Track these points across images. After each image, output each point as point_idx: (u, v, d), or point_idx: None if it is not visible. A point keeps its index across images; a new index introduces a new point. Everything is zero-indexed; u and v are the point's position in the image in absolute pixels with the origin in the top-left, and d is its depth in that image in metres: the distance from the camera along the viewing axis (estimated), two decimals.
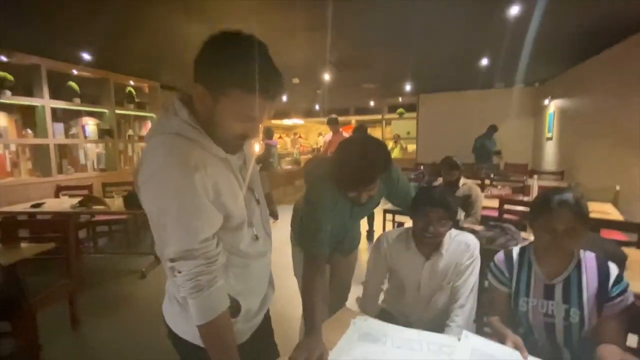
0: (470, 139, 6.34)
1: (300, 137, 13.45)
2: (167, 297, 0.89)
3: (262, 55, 0.70)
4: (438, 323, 1.22)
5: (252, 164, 0.90)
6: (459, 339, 1.01)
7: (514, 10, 2.83)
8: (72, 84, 4.40)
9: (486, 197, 3.29)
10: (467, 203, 2.53)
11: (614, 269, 1.05)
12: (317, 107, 10.08)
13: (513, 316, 1.19)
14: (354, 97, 8.68)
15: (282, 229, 1.95)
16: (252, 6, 2.75)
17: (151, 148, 0.73)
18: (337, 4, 2.64)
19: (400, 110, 9.04)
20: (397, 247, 1.36)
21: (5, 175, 3.86)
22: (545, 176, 5.11)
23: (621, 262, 1.46)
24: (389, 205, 3.46)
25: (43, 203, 3.35)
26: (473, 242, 1.29)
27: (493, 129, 6.22)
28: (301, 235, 1.30)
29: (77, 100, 4.43)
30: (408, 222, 2.06)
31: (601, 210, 2.76)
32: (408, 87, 7.05)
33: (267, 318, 1.03)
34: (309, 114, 11.34)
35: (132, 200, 3.16)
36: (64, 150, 4.48)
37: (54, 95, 4.12)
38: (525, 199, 3.12)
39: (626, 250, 1.59)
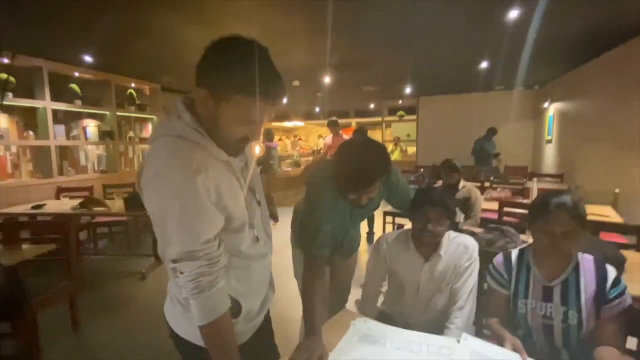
0: (470, 141, 6.36)
1: (300, 139, 13.47)
2: (168, 297, 0.89)
3: (263, 59, 0.71)
4: (437, 325, 1.22)
5: (253, 166, 0.91)
6: (459, 341, 1.01)
7: (514, 13, 2.85)
8: (74, 86, 4.42)
9: (486, 199, 3.30)
10: (467, 205, 2.54)
11: (611, 272, 1.06)
12: (317, 109, 10.10)
13: (512, 318, 1.19)
14: (354, 99, 8.70)
15: (282, 231, 1.96)
16: (252, 9, 2.77)
17: (154, 150, 0.74)
18: (337, 7, 2.66)
19: (400, 112, 9.05)
20: (396, 249, 1.37)
21: (6, 176, 3.87)
22: (545, 179, 5.11)
23: (620, 264, 1.47)
24: (389, 208, 3.46)
25: (44, 204, 3.36)
26: (472, 244, 1.30)
27: (492, 131, 6.23)
28: (301, 237, 1.30)
29: (79, 102, 4.45)
30: (408, 225, 2.07)
31: (600, 212, 2.76)
32: (408, 90, 7.08)
33: (267, 319, 1.04)
34: (309, 116, 11.37)
35: (133, 202, 3.17)
36: (64, 152, 4.49)
37: (55, 97, 4.14)
38: (525, 201, 3.12)
39: (625, 252, 1.59)
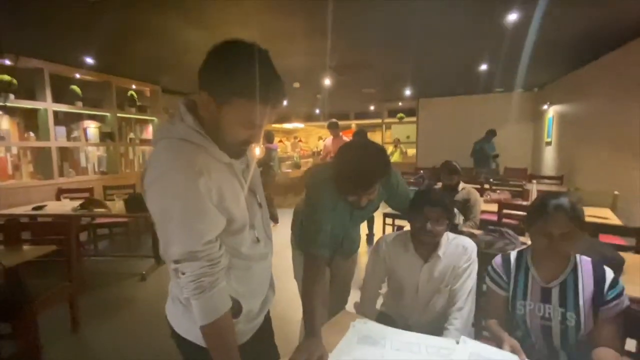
0: (469, 143, 6.38)
1: (300, 140, 13.48)
2: (170, 297, 0.90)
3: (264, 63, 0.73)
4: (436, 326, 1.23)
5: (254, 168, 0.92)
6: (457, 342, 1.02)
7: (513, 16, 2.87)
8: (75, 87, 4.44)
9: (485, 201, 3.31)
10: (466, 207, 2.54)
11: (609, 273, 1.07)
12: (317, 111, 10.12)
13: (511, 319, 1.20)
14: (354, 101, 8.72)
15: (282, 233, 1.97)
16: (253, 10, 2.79)
17: (157, 152, 0.75)
18: (336, 9, 2.68)
19: (400, 114, 9.08)
20: (395, 249, 1.38)
21: (7, 177, 3.88)
22: (545, 181, 5.12)
23: (618, 266, 1.48)
24: (388, 209, 3.47)
25: (44, 205, 3.37)
26: (470, 245, 1.31)
27: (492, 133, 6.25)
28: (301, 238, 1.31)
29: (79, 103, 4.47)
30: (408, 226, 2.08)
31: (600, 214, 2.77)
32: (408, 92, 7.10)
33: (267, 320, 1.05)
34: (309, 118, 11.39)
35: (133, 204, 3.17)
36: (65, 153, 4.50)
37: (57, 99, 4.15)
38: (525, 203, 3.13)
39: (624, 254, 1.60)
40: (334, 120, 4.88)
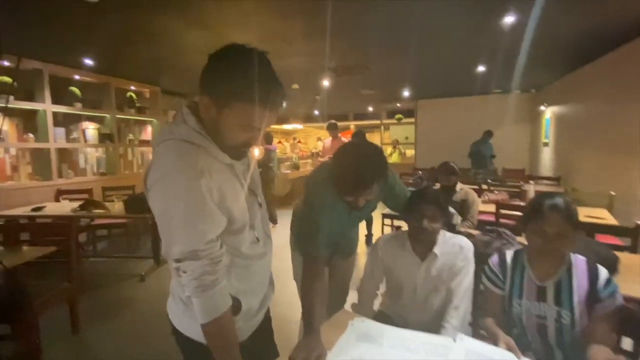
0: (468, 144, 6.40)
1: (299, 142, 13.50)
2: (171, 296, 0.92)
3: (264, 67, 0.74)
4: (434, 325, 1.25)
5: (255, 168, 0.94)
6: (454, 340, 1.03)
7: (511, 18, 2.89)
8: (74, 88, 4.44)
9: (483, 202, 3.33)
10: (464, 207, 2.56)
11: (603, 272, 1.08)
12: (316, 112, 10.15)
13: (507, 318, 1.21)
14: (352, 102, 8.75)
15: (281, 233, 1.98)
16: (252, 12, 2.81)
17: (160, 153, 0.77)
18: (335, 11, 2.70)
19: (398, 115, 9.11)
20: (393, 249, 1.40)
21: (5, 179, 3.88)
22: (542, 181, 5.15)
23: (613, 265, 1.49)
24: (387, 210, 3.49)
25: (43, 207, 3.37)
26: (467, 244, 1.33)
27: (489, 134, 6.28)
28: (300, 238, 1.32)
29: (79, 104, 4.47)
30: (406, 227, 2.10)
31: (596, 215, 2.79)
32: (406, 93, 7.13)
33: (267, 318, 1.06)
34: (308, 119, 11.41)
35: (132, 205, 3.18)
36: (64, 154, 4.51)
37: (56, 100, 4.16)
38: (522, 204, 3.15)
39: (619, 254, 1.62)
40: (333, 121, 4.90)
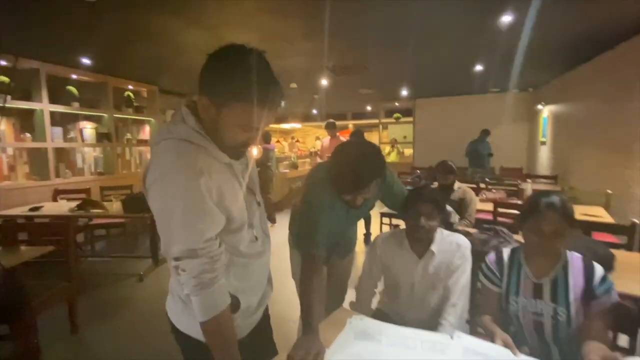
0: (466, 143, 6.42)
1: (298, 141, 13.50)
2: (170, 294, 0.92)
3: (262, 68, 0.75)
4: (432, 322, 1.25)
5: (253, 167, 0.94)
6: (452, 337, 1.04)
7: (508, 17, 2.90)
8: (71, 88, 4.43)
9: (481, 200, 3.34)
10: (462, 206, 2.57)
11: (599, 269, 1.09)
12: (314, 111, 10.14)
13: (504, 315, 1.22)
14: (351, 101, 8.76)
15: (280, 233, 1.98)
16: (251, 12, 2.80)
17: (159, 152, 0.77)
18: (333, 11, 2.70)
19: (396, 114, 9.12)
20: (391, 247, 1.41)
21: (2, 178, 3.87)
22: (539, 180, 5.17)
23: (609, 262, 1.51)
24: (385, 209, 3.50)
25: (41, 206, 3.36)
26: (464, 242, 1.34)
27: (486, 133, 6.30)
28: (298, 237, 1.33)
29: (76, 104, 4.46)
30: (404, 226, 2.11)
31: (593, 213, 2.81)
32: (404, 92, 7.14)
33: (266, 317, 1.07)
34: (306, 118, 11.41)
35: (130, 204, 3.18)
36: (61, 154, 4.49)
37: (53, 99, 4.14)
38: (520, 202, 3.17)
39: (615, 252, 1.64)
40: (331, 120, 4.91)
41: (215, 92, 0.75)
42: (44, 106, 4.02)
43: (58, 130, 4.36)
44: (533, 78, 5.95)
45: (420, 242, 1.34)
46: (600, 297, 1.06)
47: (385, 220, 3.99)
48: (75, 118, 4.73)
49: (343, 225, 1.45)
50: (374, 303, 1.53)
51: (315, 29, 3.14)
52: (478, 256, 1.36)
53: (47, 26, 2.98)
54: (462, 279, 1.28)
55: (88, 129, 4.88)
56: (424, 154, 8.10)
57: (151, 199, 0.76)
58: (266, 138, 5.69)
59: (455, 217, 2.08)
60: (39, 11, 2.65)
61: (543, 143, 6.34)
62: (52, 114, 4.20)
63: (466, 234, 1.62)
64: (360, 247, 3.79)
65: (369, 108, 9.76)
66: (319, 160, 6.30)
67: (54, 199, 3.98)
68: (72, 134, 4.66)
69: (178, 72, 4.79)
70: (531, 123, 7.27)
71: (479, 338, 1.06)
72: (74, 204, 3.37)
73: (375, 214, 2.64)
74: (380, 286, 1.51)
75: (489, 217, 2.89)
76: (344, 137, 5.03)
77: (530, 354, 0.98)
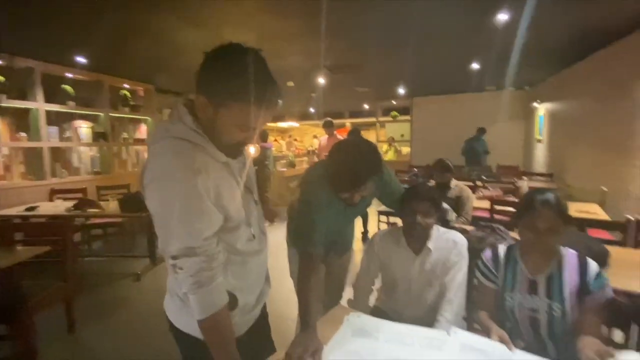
0: (463, 141, 6.44)
1: (295, 139, 13.49)
2: (168, 293, 0.92)
3: (260, 67, 0.75)
4: (429, 319, 1.26)
5: (250, 166, 0.94)
6: (448, 333, 1.05)
7: (504, 16, 2.92)
8: (67, 87, 4.40)
9: (478, 198, 3.36)
10: (459, 204, 2.59)
11: (593, 265, 1.11)
12: (311, 110, 10.13)
13: (500, 311, 1.23)
14: (348, 100, 8.76)
15: (278, 232, 1.99)
16: (248, 11, 2.80)
17: (157, 151, 0.77)
18: (331, 9, 2.70)
19: (393, 113, 9.13)
20: (388, 244, 1.42)
21: None
22: (535, 178, 5.20)
23: (603, 259, 1.52)
24: (383, 207, 3.51)
25: (37, 206, 3.35)
26: (460, 239, 1.35)
27: (482, 131, 6.33)
28: (296, 236, 1.33)
29: (72, 103, 4.43)
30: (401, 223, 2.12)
31: (588, 210, 2.84)
32: (402, 90, 7.15)
33: (264, 315, 1.07)
34: (304, 116, 11.40)
35: (127, 204, 3.17)
36: (57, 154, 4.47)
37: (49, 99, 4.12)
38: (516, 200, 3.19)
39: (610, 248, 1.66)
40: (329, 119, 4.91)
41: (212, 92, 0.75)
42: (39, 105, 4.00)
43: (54, 129, 4.34)
44: (529, 76, 5.98)
45: (416, 239, 1.35)
46: (595, 292, 1.07)
47: (383, 218, 4.00)
48: (71, 117, 4.71)
49: (340, 224, 1.45)
50: (372, 300, 1.54)
51: (313, 28, 3.14)
52: (475, 253, 1.37)
53: (42, 25, 2.96)
54: (459, 276, 1.29)
55: (84, 128, 4.86)
56: (422, 152, 8.12)
57: (149, 198, 0.76)
58: (263, 137, 5.68)
59: (452, 215, 2.09)
60: (34, 10, 2.63)
61: (539, 141, 6.37)
62: (48, 113, 4.17)
63: (463, 232, 1.63)
64: (358, 246, 3.80)
65: (366, 106, 9.77)
66: (316, 159, 6.30)
67: (50, 199, 3.96)
68: (68, 133, 4.63)
69: (175, 71, 4.77)
70: (527, 121, 7.30)
71: (475, 334, 1.07)
72: (70, 203, 3.35)
73: (372, 212, 2.65)
74: (377, 283, 1.52)
75: (486, 214, 2.91)
76: (341, 136, 5.03)
77: (526, 349, 0.99)
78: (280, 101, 0.81)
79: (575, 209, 2.78)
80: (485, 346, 1.00)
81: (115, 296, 2.92)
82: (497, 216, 2.83)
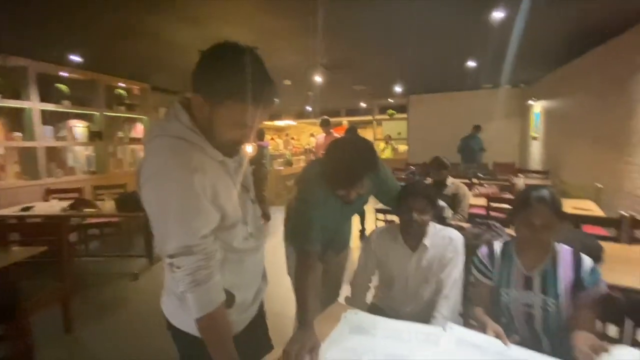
0: (459, 139, 6.47)
1: (292, 138, 13.48)
2: (165, 292, 0.92)
3: (256, 66, 0.75)
4: (425, 315, 1.27)
5: (247, 165, 0.94)
6: (445, 329, 1.06)
7: (500, 13, 2.92)
8: (62, 86, 4.36)
9: (474, 195, 3.38)
10: (455, 201, 2.60)
11: (587, 261, 1.12)
12: (308, 108, 10.12)
13: (496, 307, 1.25)
14: (345, 98, 8.76)
15: (275, 229, 1.99)
16: (244, 9, 2.79)
17: (153, 150, 0.77)
18: (327, 7, 2.69)
19: (390, 111, 9.15)
20: (385, 241, 1.43)
21: None
22: (531, 175, 5.24)
23: (597, 254, 1.54)
24: (380, 205, 3.52)
25: (32, 206, 3.32)
26: (456, 236, 1.36)
27: (477, 129, 6.36)
28: (293, 233, 1.34)
29: (67, 102, 4.39)
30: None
31: (583, 206, 2.86)
32: (398, 89, 7.15)
33: (261, 312, 1.07)
34: (300, 115, 11.39)
35: (124, 203, 3.15)
36: (52, 153, 4.43)
37: (43, 98, 4.08)
38: (512, 197, 3.21)
39: (604, 244, 1.67)
40: (325, 117, 4.91)
41: (209, 91, 0.75)
42: (33, 105, 3.96)
43: (48, 129, 4.30)
44: (525, 74, 5.99)
45: (413, 236, 1.36)
46: (589, 288, 1.09)
47: (380, 216, 4.01)
48: (66, 116, 4.67)
49: (337, 221, 1.46)
50: (369, 297, 1.55)
51: (309, 26, 3.13)
52: (471, 250, 1.39)
53: (35, 23, 2.93)
54: (455, 272, 1.30)
55: (79, 127, 4.83)
56: (419, 150, 8.14)
57: (145, 197, 0.76)
58: (260, 135, 5.66)
59: (448, 212, 2.11)
60: (27, 8, 2.60)
61: (535, 138, 6.41)
62: (43, 112, 4.14)
63: (459, 229, 1.64)
64: (355, 243, 3.82)
65: (363, 105, 9.77)
66: (313, 157, 6.30)
67: (45, 199, 3.94)
68: (62, 133, 4.59)
69: (170, 70, 4.74)
70: (523, 119, 7.34)
71: (471, 330, 1.08)
72: (65, 203, 3.33)
73: (370, 210, 2.65)
74: (374, 281, 1.53)
75: (482, 211, 2.93)
76: (338, 134, 5.03)
77: (521, 345, 1.00)
78: (277, 99, 0.81)
79: (571, 206, 2.81)
80: (481, 341, 1.02)
81: (112, 296, 2.91)
82: (493, 213, 2.86)
